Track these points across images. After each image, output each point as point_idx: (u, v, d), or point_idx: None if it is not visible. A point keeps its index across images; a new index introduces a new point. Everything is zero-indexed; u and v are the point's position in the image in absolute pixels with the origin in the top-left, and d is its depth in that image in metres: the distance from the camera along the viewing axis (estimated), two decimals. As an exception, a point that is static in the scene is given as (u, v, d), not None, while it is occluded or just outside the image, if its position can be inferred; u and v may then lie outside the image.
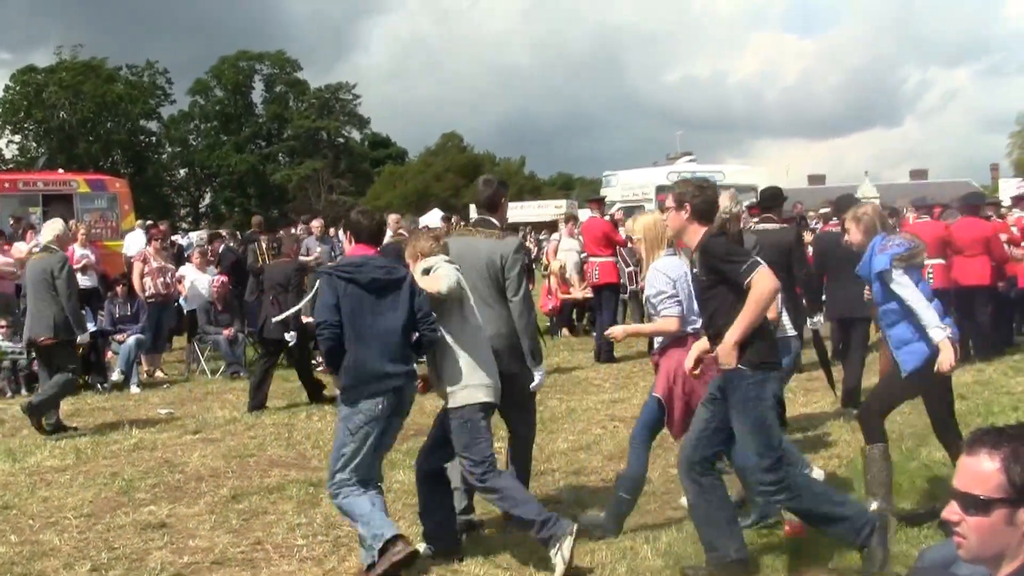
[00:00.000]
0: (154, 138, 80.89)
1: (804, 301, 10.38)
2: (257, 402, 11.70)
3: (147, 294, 15.05)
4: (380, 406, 6.08)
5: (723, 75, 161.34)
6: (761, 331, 5.74)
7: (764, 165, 45.95)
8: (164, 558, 6.65)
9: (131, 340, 13.92)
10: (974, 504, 2.62)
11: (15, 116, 72.94)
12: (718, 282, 5.80)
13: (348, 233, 6.64)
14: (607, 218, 17.35)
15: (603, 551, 6.40)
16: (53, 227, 11.46)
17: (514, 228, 17.16)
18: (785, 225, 10.50)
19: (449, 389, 6.25)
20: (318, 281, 7.05)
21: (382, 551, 5.83)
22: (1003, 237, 14.35)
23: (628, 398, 11.80)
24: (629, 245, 14.10)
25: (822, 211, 18.84)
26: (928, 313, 6.55)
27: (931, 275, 12.43)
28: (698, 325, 6.45)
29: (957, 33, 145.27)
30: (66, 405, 11.91)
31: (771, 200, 10.36)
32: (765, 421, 5.72)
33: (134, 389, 13.56)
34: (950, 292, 13.06)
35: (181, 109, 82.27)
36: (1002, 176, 63.87)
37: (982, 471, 2.62)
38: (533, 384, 6.93)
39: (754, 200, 22.88)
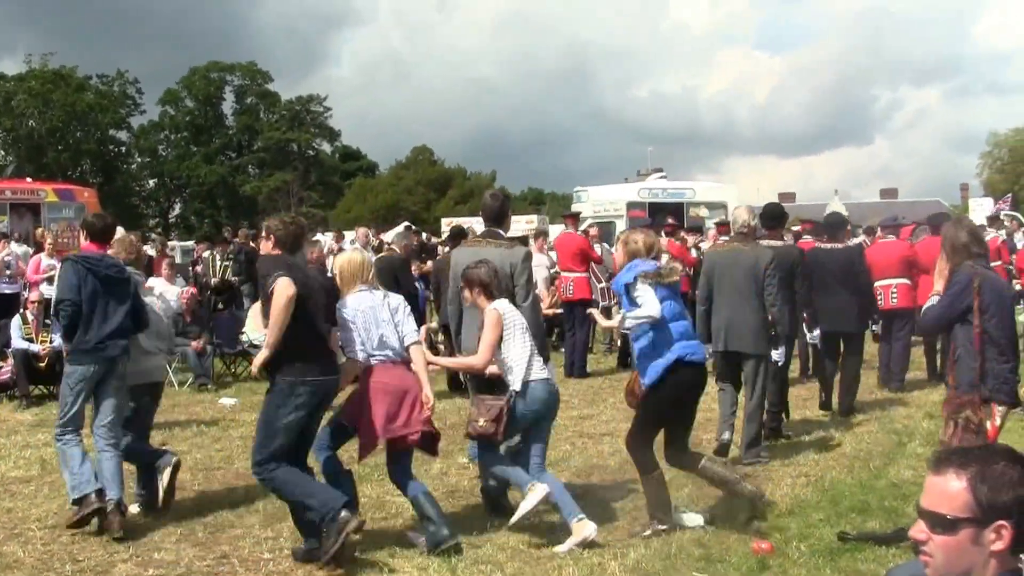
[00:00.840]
0: (124, 148, 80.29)
1: (804, 315, 10.61)
2: None
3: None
4: (93, 369, 7.39)
5: (693, 91, 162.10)
6: (293, 346, 6.47)
7: (734, 182, 46.41)
8: (129, 571, 6.62)
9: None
10: (941, 523, 2.63)
11: (-17, 124, 72.41)
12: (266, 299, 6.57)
13: (84, 231, 7.76)
14: (581, 233, 17.39)
15: (570, 567, 6.41)
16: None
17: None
18: (789, 243, 10.85)
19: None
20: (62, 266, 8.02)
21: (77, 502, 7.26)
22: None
23: (597, 414, 11.81)
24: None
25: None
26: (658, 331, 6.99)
27: (895, 294, 12.54)
28: (380, 356, 6.88)
29: (927, 53, 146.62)
30: (30, 415, 11.83)
31: (774, 219, 10.64)
32: (271, 424, 6.54)
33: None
34: (913, 311, 13.25)
35: (151, 119, 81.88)
36: (972, 196, 64.41)
37: (949, 490, 2.63)
38: None
39: (724, 218, 23.13)
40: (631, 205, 26.82)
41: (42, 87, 69.90)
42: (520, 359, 6.93)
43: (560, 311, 15.77)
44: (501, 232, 7.80)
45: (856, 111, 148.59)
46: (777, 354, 9.49)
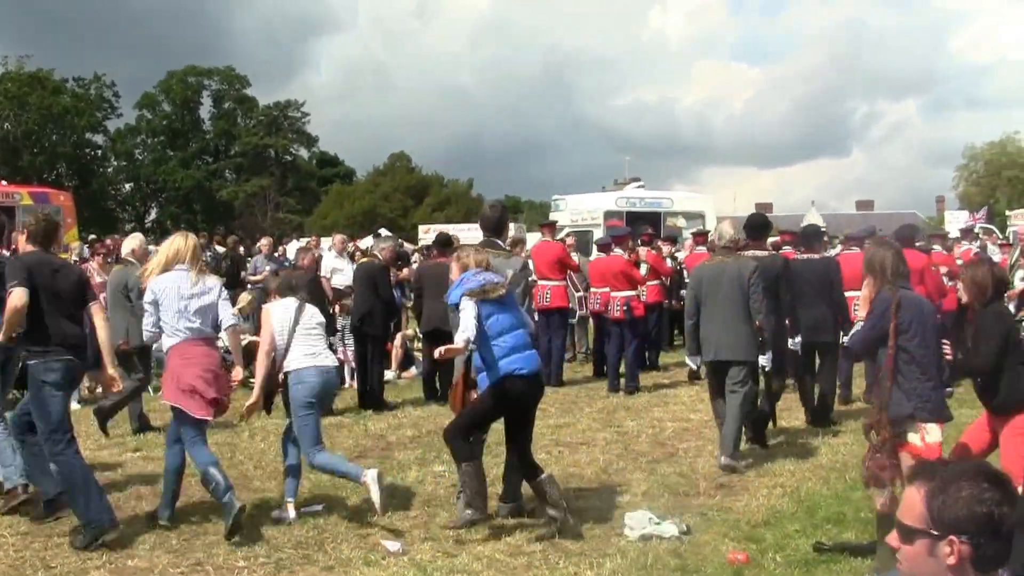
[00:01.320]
0: (100, 151, 79.98)
1: (788, 323, 10.69)
2: None
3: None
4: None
5: (672, 102, 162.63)
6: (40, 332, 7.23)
7: (712, 192, 46.56)
8: (102, 578, 6.57)
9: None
10: (902, 532, 2.69)
11: (-42, 127, 71.99)
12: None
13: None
14: (558, 241, 17.42)
15: (547, 576, 6.41)
16: (131, 241, 12.38)
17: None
18: (774, 253, 10.96)
19: None
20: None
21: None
22: (944, 270, 14.57)
23: (573, 423, 11.81)
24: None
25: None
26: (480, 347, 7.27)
27: (858, 307, 12.51)
28: (184, 333, 7.61)
29: (904, 66, 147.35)
30: None
31: (758, 229, 10.80)
32: (43, 406, 7.29)
33: (75, 405, 13.28)
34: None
35: (128, 123, 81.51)
36: (948, 208, 64.93)
37: (911, 501, 2.69)
38: None
39: (701, 227, 23.20)
40: (609, 214, 26.78)
41: (18, 90, 69.55)
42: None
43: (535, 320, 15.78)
44: (499, 242, 8.09)
45: (833, 123, 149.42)
46: (764, 359, 9.69)
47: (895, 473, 6.19)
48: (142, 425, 11.77)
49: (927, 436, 6.35)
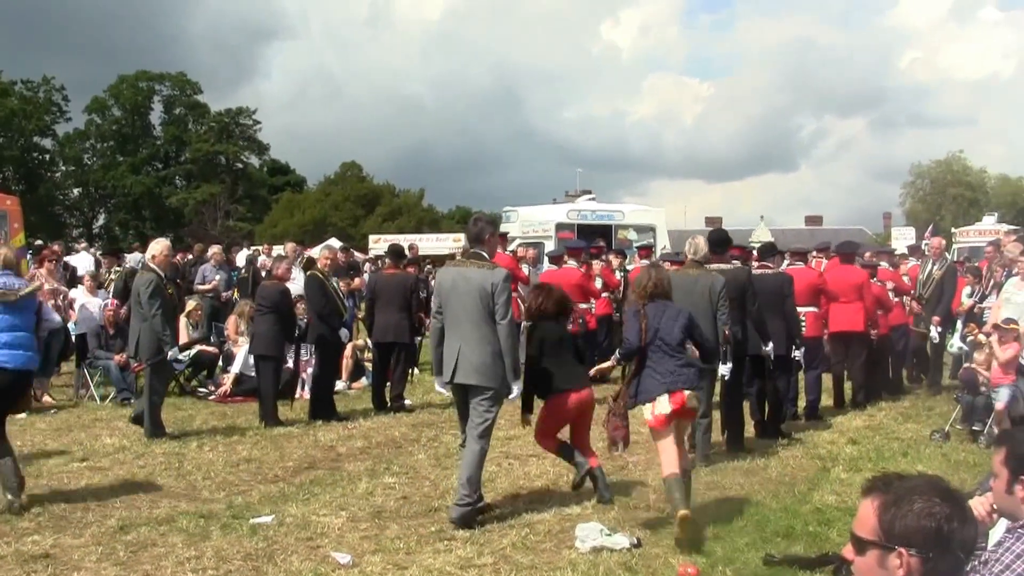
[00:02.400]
0: (48, 156, 79.21)
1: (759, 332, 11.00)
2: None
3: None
4: None
5: (622, 115, 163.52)
6: None
7: (661, 205, 46.69)
8: (47, 590, 6.49)
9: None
10: (856, 543, 2.74)
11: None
12: None
13: None
14: (509, 253, 17.39)
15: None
16: (154, 246, 12.22)
17: (416, 262, 17.09)
18: (739, 265, 11.18)
19: None
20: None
21: None
22: (890, 286, 14.74)
23: (523, 435, 11.73)
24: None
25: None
26: None
27: (803, 323, 12.57)
28: None
29: (852, 84, 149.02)
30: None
31: (721, 244, 10.98)
32: None
33: (19, 415, 13.15)
34: (822, 340, 13.47)
35: (77, 127, 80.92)
36: (895, 225, 65.78)
37: (864, 513, 2.74)
38: (511, 396, 8.18)
39: (649, 241, 23.30)
40: (560, 226, 26.83)
41: (-36, 92, 68.77)
42: None
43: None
44: (484, 254, 8.27)
45: (782, 139, 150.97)
46: (724, 368, 10.05)
47: (625, 435, 7.97)
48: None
49: (657, 408, 7.61)
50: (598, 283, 15.95)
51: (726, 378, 10.35)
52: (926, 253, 16.78)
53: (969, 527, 2.66)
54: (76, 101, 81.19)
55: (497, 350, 7.90)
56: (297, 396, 13.95)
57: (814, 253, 14.69)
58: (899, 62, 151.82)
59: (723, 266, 10.66)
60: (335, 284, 13.65)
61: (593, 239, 20.87)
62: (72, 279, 18.64)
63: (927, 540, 2.60)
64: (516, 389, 8.16)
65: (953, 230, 39.09)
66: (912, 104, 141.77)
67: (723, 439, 10.91)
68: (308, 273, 13.91)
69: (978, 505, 3.76)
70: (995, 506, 3.66)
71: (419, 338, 14.12)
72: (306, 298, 13.16)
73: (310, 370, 14.15)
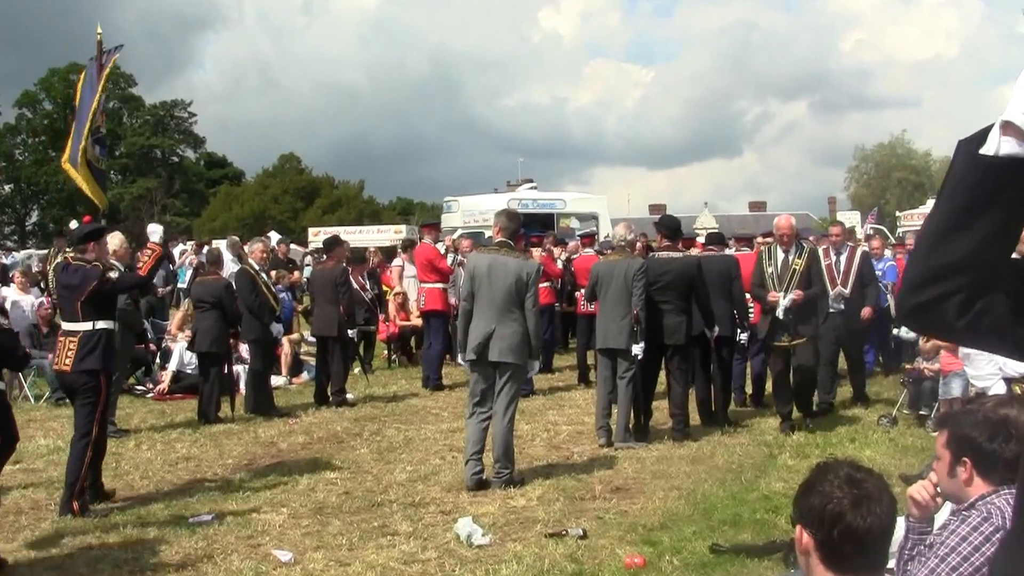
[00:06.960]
0: (-24, 152, 77.84)
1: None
2: None
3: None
4: None
5: (563, 102, 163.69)
6: None
7: (604, 193, 46.56)
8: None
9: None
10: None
11: None
12: None
13: None
14: (438, 244, 17.37)
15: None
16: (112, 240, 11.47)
17: (360, 254, 16.93)
18: (687, 253, 11.43)
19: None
20: None
21: None
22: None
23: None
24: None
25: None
26: None
27: (751, 308, 12.58)
28: None
29: (794, 68, 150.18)
30: None
31: (672, 231, 11.30)
32: None
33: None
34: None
35: (7, 122, 79.37)
36: (840, 209, 66.42)
37: None
38: (531, 372, 9.50)
39: (592, 229, 23.28)
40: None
41: None
42: None
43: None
44: (513, 244, 9.05)
45: (724, 124, 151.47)
46: (637, 348, 10.41)
47: None
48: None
49: None
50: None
51: (639, 358, 10.52)
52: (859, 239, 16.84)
53: (858, 515, 2.61)
54: (5, 95, 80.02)
55: (525, 331, 8.76)
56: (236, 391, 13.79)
57: (759, 239, 14.65)
58: (843, 44, 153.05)
59: (673, 254, 10.98)
60: (266, 278, 13.48)
61: (534, 228, 20.81)
62: (3, 277, 18.29)
63: (822, 522, 2.62)
64: (536, 366, 9.35)
65: (898, 213, 39.56)
66: (856, 86, 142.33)
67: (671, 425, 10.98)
68: (239, 267, 13.76)
69: (921, 489, 3.75)
70: (939, 489, 3.66)
71: (352, 331, 13.91)
72: (237, 292, 12.94)
73: (245, 365, 14.00)
